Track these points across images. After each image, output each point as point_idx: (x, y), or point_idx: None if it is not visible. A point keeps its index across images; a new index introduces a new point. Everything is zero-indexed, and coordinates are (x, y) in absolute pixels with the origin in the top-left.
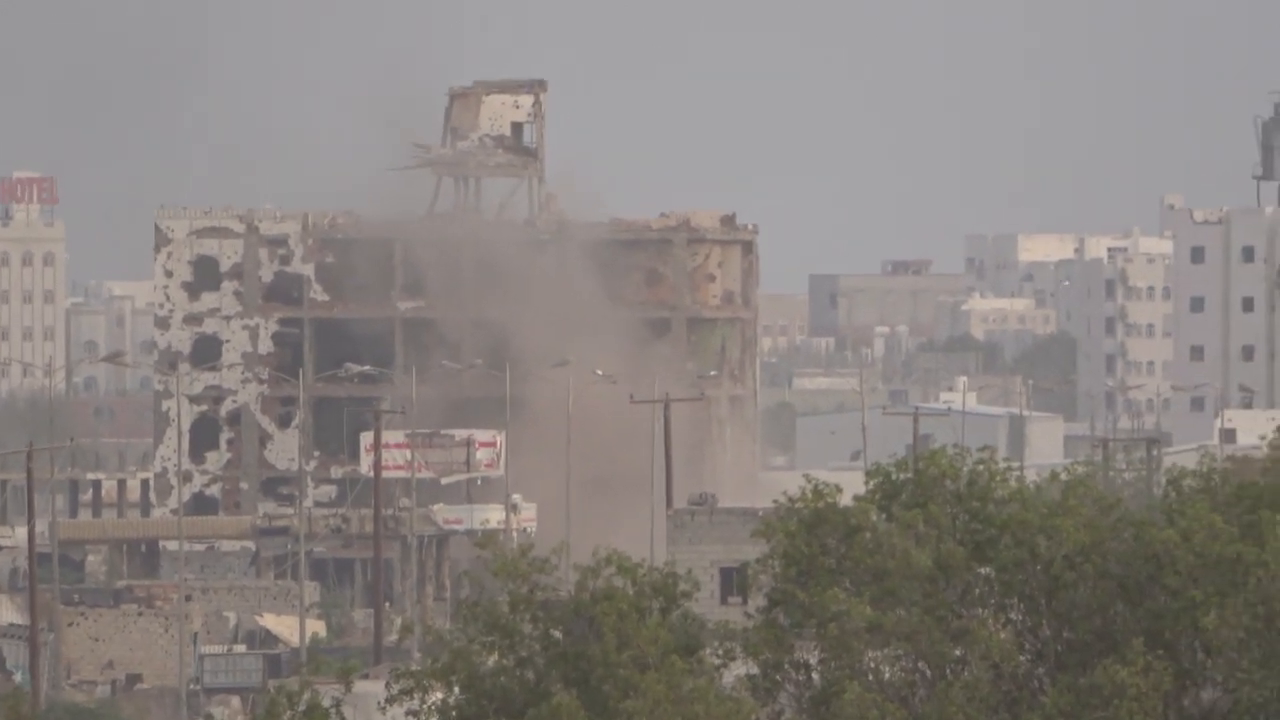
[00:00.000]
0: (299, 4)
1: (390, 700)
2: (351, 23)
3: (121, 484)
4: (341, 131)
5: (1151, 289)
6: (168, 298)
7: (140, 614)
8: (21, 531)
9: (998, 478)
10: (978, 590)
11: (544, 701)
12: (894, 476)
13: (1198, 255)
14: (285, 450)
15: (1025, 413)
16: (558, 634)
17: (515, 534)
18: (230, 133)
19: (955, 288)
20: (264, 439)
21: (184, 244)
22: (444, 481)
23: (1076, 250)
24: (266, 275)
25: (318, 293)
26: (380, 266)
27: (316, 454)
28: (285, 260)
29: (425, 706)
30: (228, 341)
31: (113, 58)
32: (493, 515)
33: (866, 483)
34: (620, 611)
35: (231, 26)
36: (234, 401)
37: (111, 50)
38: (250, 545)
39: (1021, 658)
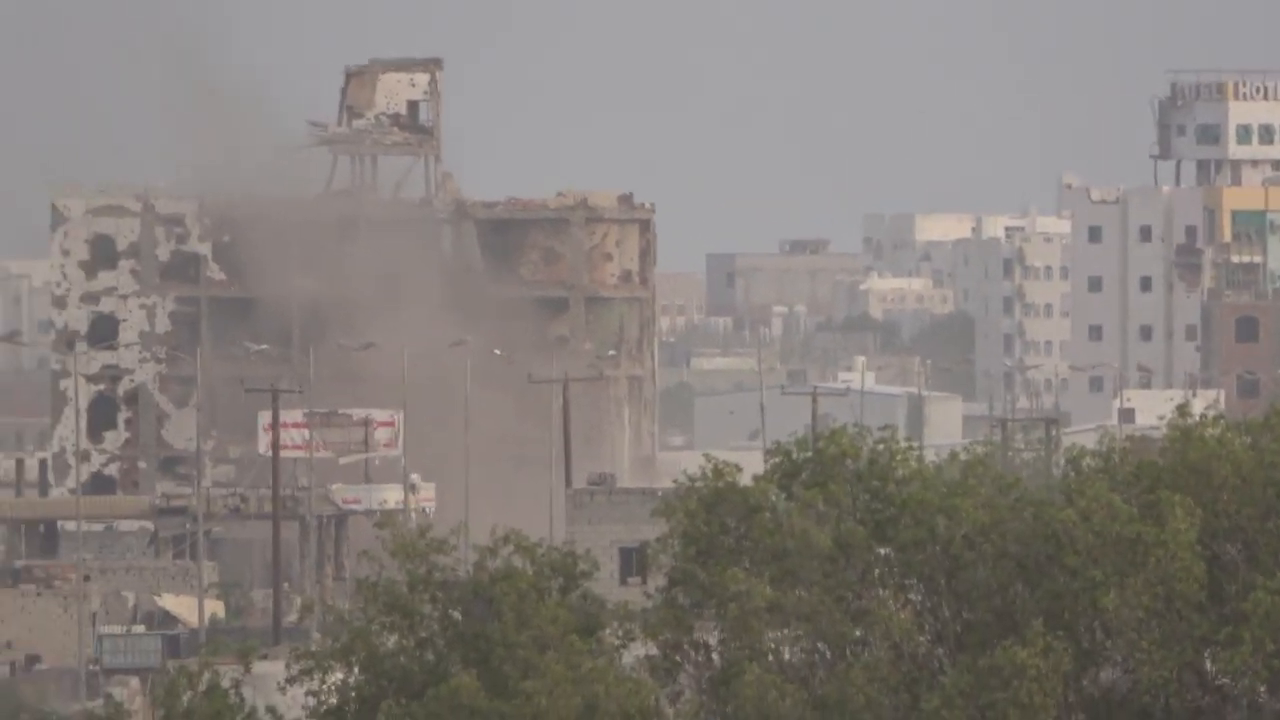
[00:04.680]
0: None
1: (290, 681)
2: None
3: (19, 463)
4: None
5: (1049, 268)
6: (64, 276)
7: (39, 594)
8: None
9: (898, 457)
10: (878, 570)
11: (443, 682)
12: (794, 456)
13: (1095, 235)
14: (183, 430)
15: (924, 392)
16: (457, 614)
17: (414, 514)
18: (123, 108)
19: (853, 267)
20: (161, 418)
21: (80, 223)
22: (342, 461)
23: (974, 229)
24: (163, 254)
25: (214, 271)
26: (277, 245)
27: (214, 433)
28: (182, 239)
29: (325, 687)
30: (125, 320)
31: None
32: (391, 495)
33: (766, 462)
34: (519, 591)
35: None
36: (131, 381)
37: None
38: (149, 525)
39: (921, 638)
